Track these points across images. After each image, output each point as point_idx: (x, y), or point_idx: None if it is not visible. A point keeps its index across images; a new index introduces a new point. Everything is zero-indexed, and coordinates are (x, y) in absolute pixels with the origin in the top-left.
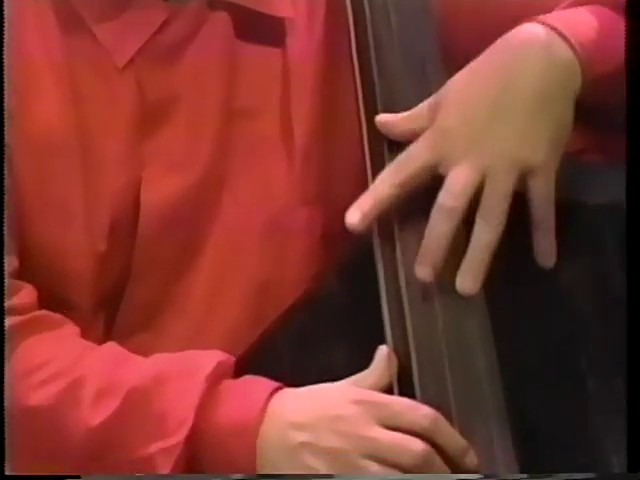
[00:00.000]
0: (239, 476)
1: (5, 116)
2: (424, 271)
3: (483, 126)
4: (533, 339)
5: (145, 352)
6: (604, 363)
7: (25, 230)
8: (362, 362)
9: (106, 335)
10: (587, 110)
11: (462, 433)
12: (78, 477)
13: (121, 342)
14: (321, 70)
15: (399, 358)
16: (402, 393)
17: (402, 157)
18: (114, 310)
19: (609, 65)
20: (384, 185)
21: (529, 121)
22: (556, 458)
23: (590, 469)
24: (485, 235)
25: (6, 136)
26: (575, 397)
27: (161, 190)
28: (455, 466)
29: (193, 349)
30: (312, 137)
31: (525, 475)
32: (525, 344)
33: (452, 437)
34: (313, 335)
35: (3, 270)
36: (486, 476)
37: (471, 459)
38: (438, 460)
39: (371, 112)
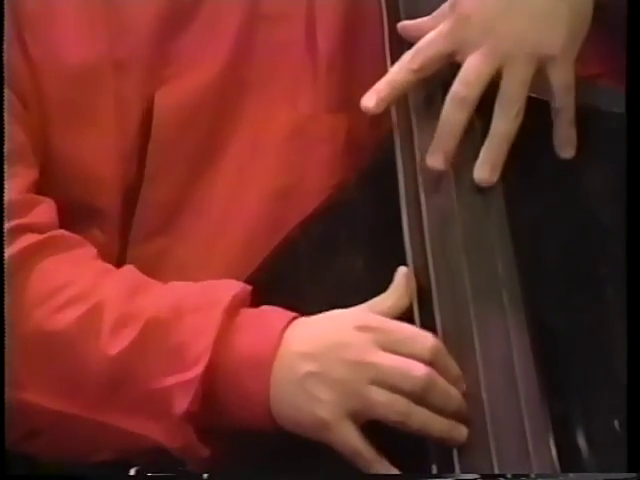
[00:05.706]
0: None
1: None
2: (436, 160)
3: (500, 12)
4: (552, 246)
5: (164, 256)
6: (622, 270)
7: (50, 138)
8: (380, 271)
9: (124, 239)
10: (608, 23)
11: (481, 344)
12: (83, 478)
13: (140, 246)
14: None
15: (417, 273)
16: (421, 310)
17: (420, 44)
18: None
19: None
20: (401, 71)
21: (548, 8)
22: (573, 363)
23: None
24: (503, 124)
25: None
26: (593, 302)
27: (175, 91)
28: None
29: (211, 253)
30: (336, 45)
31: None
32: (544, 251)
33: (449, 368)
34: (332, 243)
35: (3, 197)
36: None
37: (461, 386)
38: (441, 383)
39: (393, 20)
